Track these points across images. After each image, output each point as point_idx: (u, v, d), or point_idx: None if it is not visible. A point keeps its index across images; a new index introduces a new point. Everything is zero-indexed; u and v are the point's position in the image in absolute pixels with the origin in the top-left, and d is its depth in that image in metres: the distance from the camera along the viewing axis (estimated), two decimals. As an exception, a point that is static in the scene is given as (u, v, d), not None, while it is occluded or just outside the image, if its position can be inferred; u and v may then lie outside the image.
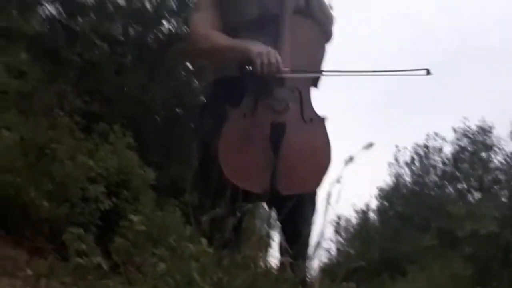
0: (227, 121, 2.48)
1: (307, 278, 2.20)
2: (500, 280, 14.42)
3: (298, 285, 2.01)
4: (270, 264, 2.13)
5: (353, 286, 2.06)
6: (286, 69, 2.52)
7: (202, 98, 6.48)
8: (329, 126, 2.60)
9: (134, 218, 2.28)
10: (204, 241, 1.95)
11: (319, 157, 2.55)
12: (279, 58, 2.48)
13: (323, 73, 2.68)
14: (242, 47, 2.53)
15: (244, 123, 2.49)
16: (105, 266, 1.96)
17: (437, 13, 37.03)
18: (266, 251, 2.14)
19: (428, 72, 2.50)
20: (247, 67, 2.50)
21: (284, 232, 2.39)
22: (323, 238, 2.16)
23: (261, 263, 2.00)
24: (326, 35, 2.81)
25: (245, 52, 2.51)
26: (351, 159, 1.96)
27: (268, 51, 2.47)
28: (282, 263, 2.15)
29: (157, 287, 1.83)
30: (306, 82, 2.64)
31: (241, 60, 2.52)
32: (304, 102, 2.59)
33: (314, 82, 2.70)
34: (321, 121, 2.60)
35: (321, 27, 2.77)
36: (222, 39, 2.63)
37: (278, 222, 2.47)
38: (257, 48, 2.49)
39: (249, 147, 2.47)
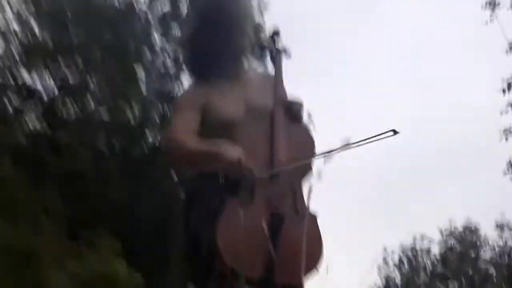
0: (225, 210, 2.46)
1: None
2: None
3: None
4: None
5: None
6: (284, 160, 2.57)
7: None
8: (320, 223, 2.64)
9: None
10: None
11: (312, 251, 2.54)
12: (249, 164, 2.49)
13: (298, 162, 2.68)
14: (213, 152, 2.52)
15: (242, 213, 2.47)
16: None
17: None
18: None
19: (395, 132, 2.55)
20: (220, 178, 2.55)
21: None
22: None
23: None
24: None
25: (218, 159, 2.50)
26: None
27: (239, 160, 2.47)
28: None
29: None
30: (299, 176, 2.66)
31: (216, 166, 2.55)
32: (297, 196, 2.62)
33: (305, 177, 2.71)
34: (313, 216, 2.61)
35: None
36: (195, 144, 2.60)
37: None
38: (228, 154, 2.49)
39: (248, 235, 2.44)
